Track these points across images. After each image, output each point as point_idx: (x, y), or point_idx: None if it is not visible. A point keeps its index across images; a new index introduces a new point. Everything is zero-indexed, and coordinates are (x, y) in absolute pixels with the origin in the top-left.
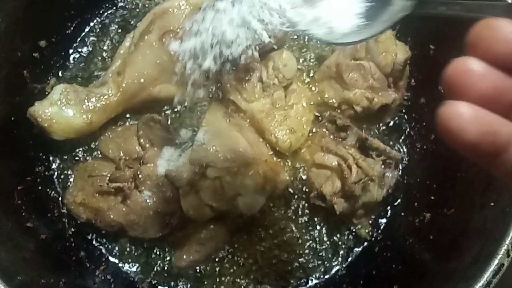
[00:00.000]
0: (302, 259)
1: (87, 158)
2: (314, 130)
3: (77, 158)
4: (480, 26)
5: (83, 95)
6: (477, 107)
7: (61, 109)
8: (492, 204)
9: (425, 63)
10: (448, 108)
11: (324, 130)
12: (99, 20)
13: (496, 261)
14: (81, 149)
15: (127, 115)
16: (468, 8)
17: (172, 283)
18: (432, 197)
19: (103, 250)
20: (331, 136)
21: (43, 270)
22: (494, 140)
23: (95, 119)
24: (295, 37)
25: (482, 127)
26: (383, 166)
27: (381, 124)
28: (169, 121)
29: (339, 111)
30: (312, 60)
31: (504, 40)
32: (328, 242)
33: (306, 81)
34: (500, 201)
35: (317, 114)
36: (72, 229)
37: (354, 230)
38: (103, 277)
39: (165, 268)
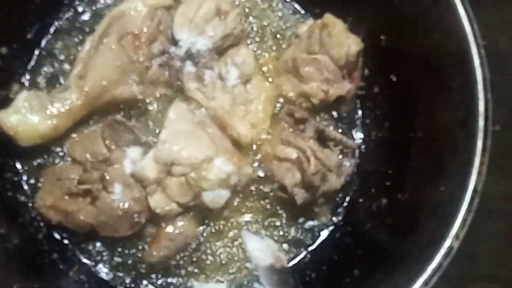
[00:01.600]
0: None
1: (55, 161)
2: (273, 123)
3: (45, 162)
4: None
5: (46, 101)
6: None
7: (25, 116)
8: (443, 189)
9: (377, 53)
10: None
11: (283, 123)
12: (59, 24)
13: (447, 244)
14: (48, 153)
15: (93, 118)
16: None
17: (145, 280)
18: (388, 183)
19: (76, 251)
20: (290, 129)
21: (16, 275)
22: None
23: (60, 124)
24: (252, 33)
25: None
26: (340, 156)
27: (337, 115)
28: (133, 122)
29: (297, 104)
30: (269, 55)
31: None
32: (291, 231)
33: (264, 76)
34: (450, 187)
35: (276, 108)
36: (44, 233)
37: (315, 218)
38: (77, 278)
39: (137, 265)
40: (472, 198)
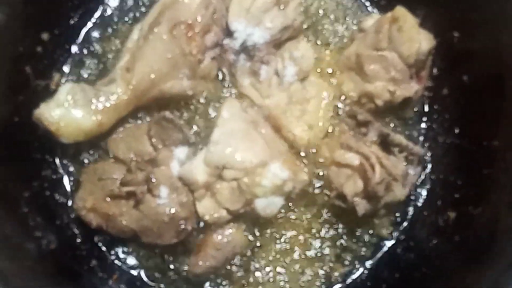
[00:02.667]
0: (321, 263)
1: (97, 159)
2: (333, 125)
3: (86, 160)
4: None
5: (91, 95)
6: None
7: (68, 110)
8: None
9: (448, 51)
10: None
11: (344, 125)
12: (104, 9)
13: None
14: (90, 150)
15: (139, 114)
16: None
17: None
18: (457, 195)
19: (116, 258)
20: (351, 132)
21: (53, 282)
22: None
23: (105, 120)
24: (312, 26)
25: None
26: (405, 163)
27: (401, 118)
28: (182, 120)
29: (359, 105)
30: (330, 51)
31: None
32: (348, 244)
33: (324, 73)
34: None
35: (337, 108)
36: (82, 237)
37: (375, 230)
38: (116, 287)
39: (181, 275)
40: None
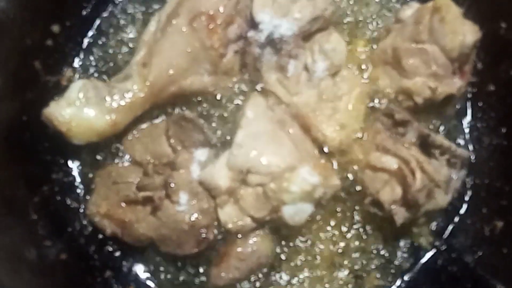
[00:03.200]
0: (353, 275)
1: (111, 162)
2: (367, 125)
3: (100, 162)
4: None
5: (104, 92)
6: None
7: (80, 109)
8: None
9: (494, 43)
10: None
11: (379, 125)
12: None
13: None
14: (104, 151)
15: (156, 112)
16: None
17: None
18: (504, 202)
19: (132, 268)
20: (388, 133)
21: None
22: None
23: (119, 119)
24: (344, 16)
25: None
26: (447, 167)
27: (444, 116)
28: (202, 119)
29: (396, 102)
30: (364, 43)
31: None
32: (383, 255)
33: (357, 68)
34: None
35: (371, 106)
36: (96, 245)
37: (414, 240)
38: None
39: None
40: None
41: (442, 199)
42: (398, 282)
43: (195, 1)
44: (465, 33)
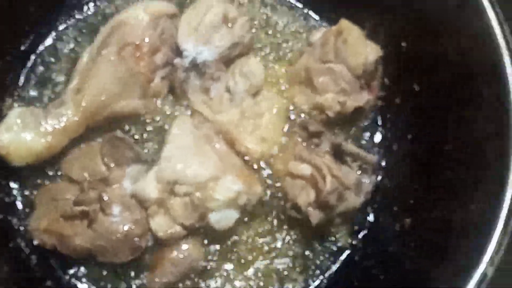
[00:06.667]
0: (279, 274)
1: (51, 181)
2: (286, 138)
3: (40, 182)
4: None
5: (41, 117)
6: None
7: (18, 134)
8: (474, 208)
9: (398, 61)
10: None
11: (297, 137)
12: (55, 34)
13: (481, 271)
14: (43, 172)
15: (91, 134)
16: None
17: None
18: (412, 201)
19: (72, 279)
20: (304, 144)
21: None
22: None
23: (55, 142)
24: (261, 42)
25: None
26: (359, 172)
27: (355, 127)
28: (135, 138)
29: (311, 116)
30: (280, 65)
31: None
32: (306, 254)
33: (276, 88)
34: (482, 206)
35: (289, 121)
36: (37, 258)
37: (332, 239)
38: None
39: None
40: (508, 219)
41: (353, 200)
42: (320, 279)
43: (123, 32)
44: (367, 52)
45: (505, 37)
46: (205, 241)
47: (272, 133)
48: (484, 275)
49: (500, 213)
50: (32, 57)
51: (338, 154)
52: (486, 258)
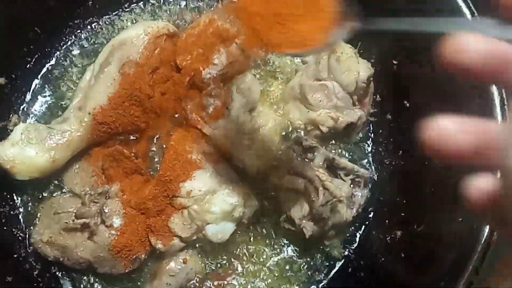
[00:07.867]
0: (275, 285)
1: (54, 194)
2: (281, 153)
3: (43, 196)
4: (447, 41)
5: (44, 133)
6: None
7: (22, 149)
8: (461, 220)
9: (389, 78)
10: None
11: (292, 152)
12: (59, 53)
13: (465, 279)
14: (47, 186)
15: (93, 148)
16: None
17: None
18: (403, 214)
19: None
20: (299, 158)
21: None
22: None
23: (58, 157)
24: (258, 60)
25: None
26: (352, 186)
27: (348, 143)
28: (134, 152)
29: (305, 132)
30: (275, 82)
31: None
32: (301, 266)
33: (272, 104)
34: (469, 217)
35: (285, 136)
36: (40, 269)
37: (326, 251)
38: None
39: None
40: (492, 230)
41: (346, 213)
42: None
43: (124, 51)
44: (359, 70)
45: None
46: (202, 253)
47: (267, 148)
48: (469, 283)
49: (485, 226)
50: (38, 75)
51: (332, 168)
52: (470, 267)
